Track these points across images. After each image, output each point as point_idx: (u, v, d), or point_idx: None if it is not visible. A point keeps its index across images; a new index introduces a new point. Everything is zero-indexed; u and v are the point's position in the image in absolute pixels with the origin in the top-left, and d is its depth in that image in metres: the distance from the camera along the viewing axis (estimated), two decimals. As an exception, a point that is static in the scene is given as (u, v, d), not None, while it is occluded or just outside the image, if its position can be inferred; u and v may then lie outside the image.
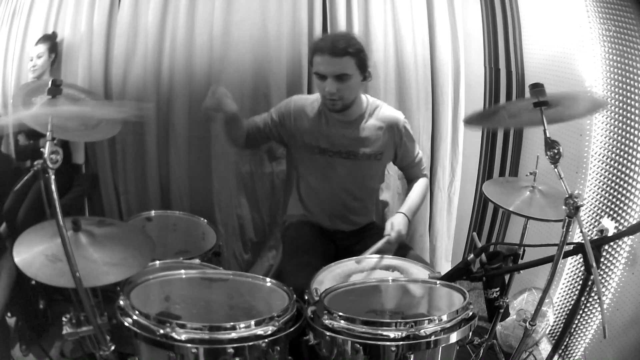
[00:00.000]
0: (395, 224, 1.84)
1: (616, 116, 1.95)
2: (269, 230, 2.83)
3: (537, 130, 2.60)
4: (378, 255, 1.81)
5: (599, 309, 1.90)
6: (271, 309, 1.29)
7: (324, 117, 1.91)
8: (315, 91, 2.59)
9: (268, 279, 1.46)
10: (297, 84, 2.63)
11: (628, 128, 1.89)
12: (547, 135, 1.35)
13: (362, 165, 1.95)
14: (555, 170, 1.32)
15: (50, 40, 2.49)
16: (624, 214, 1.89)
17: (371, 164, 1.96)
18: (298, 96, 2.06)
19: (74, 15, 2.55)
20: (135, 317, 1.19)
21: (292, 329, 1.24)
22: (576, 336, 2.02)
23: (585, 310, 1.96)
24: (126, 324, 1.19)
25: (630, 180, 1.87)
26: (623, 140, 1.92)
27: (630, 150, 1.88)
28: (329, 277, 1.63)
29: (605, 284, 1.92)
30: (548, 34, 2.44)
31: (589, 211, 2.08)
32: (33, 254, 1.22)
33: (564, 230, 1.32)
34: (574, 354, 2.04)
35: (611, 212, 1.95)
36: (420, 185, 2.08)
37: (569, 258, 2.10)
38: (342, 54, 1.70)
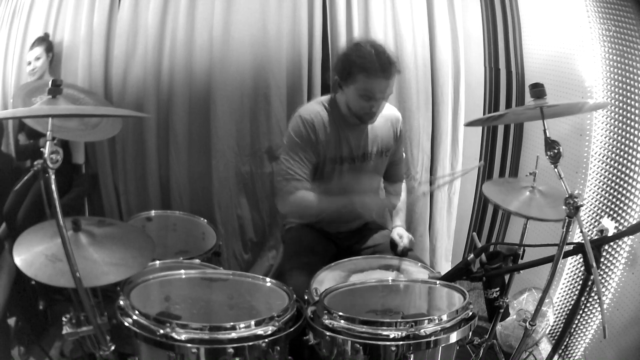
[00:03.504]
0: (404, 234, 1.93)
1: (616, 116, 1.95)
2: (269, 230, 2.83)
3: (537, 130, 2.60)
4: (378, 255, 1.81)
5: (599, 309, 1.90)
6: (271, 309, 1.29)
7: (339, 125, 1.84)
8: (315, 91, 2.63)
9: (268, 279, 1.46)
10: (297, 84, 2.63)
11: (628, 128, 1.89)
12: (547, 135, 1.35)
13: (373, 165, 1.95)
14: (555, 170, 1.32)
15: (45, 41, 2.49)
16: (624, 214, 1.89)
17: (382, 160, 1.97)
18: (306, 109, 1.86)
19: (74, 15, 2.56)
20: (135, 317, 1.19)
21: (292, 329, 1.24)
22: (576, 336, 2.02)
23: (585, 310, 1.96)
24: (126, 324, 1.19)
25: (630, 180, 1.87)
26: (623, 140, 1.92)
27: (630, 150, 1.88)
28: (329, 277, 1.63)
29: (605, 284, 1.92)
30: (548, 34, 2.44)
31: (589, 211, 2.08)
32: (33, 254, 1.22)
33: (564, 230, 1.32)
34: (574, 354, 2.04)
35: (611, 212, 1.95)
36: (404, 192, 2.14)
37: (569, 258, 2.10)
38: (393, 76, 1.69)
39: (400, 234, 1.93)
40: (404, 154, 2.12)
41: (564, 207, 1.29)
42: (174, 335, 1.13)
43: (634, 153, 1.86)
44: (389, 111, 1.98)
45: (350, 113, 1.79)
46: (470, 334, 1.30)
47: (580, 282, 2.05)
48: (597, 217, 2.04)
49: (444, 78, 2.69)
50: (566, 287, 2.19)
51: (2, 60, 2.60)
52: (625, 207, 1.88)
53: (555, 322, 2.18)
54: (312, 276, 1.61)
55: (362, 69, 1.65)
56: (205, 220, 2.16)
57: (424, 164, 2.78)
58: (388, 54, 1.69)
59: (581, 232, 1.33)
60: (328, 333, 1.23)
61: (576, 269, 2.14)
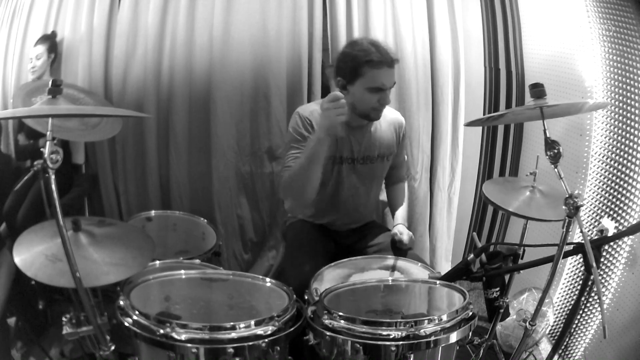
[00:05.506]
0: (405, 231, 1.90)
1: (616, 116, 1.95)
2: (269, 230, 2.83)
3: (537, 130, 2.60)
4: (378, 255, 1.81)
5: (599, 309, 1.90)
6: (271, 309, 1.29)
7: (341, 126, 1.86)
8: (315, 91, 2.63)
9: (268, 279, 1.46)
10: (297, 84, 2.63)
11: (628, 128, 1.89)
12: (547, 135, 1.35)
13: (375, 168, 1.95)
14: (555, 170, 1.32)
15: (49, 40, 2.49)
16: (624, 214, 1.89)
17: (383, 165, 1.98)
18: (304, 107, 1.89)
19: (74, 15, 2.55)
20: (135, 317, 1.19)
21: (292, 329, 1.24)
22: (576, 336, 2.02)
23: (585, 310, 1.96)
24: (126, 324, 1.19)
25: (630, 180, 1.87)
26: (623, 140, 1.92)
27: (630, 150, 1.88)
28: (329, 277, 1.63)
29: (605, 284, 1.92)
30: (548, 34, 2.44)
31: (589, 211, 2.08)
32: (33, 254, 1.22)
33: (564, 230, 1.32)
34: (574, 354, 2.04)
35: (611, 212, 1.95)
36: (404, 192, 2.13)
37: (569, 258, 2.10)
38: (394, 65, 1.73)
39: (400, 230, 1.90)
40: (405, 157, 2.12)
41: (564, 207, 1.29)
42: (174, 335, 1.13)
43: (634, 153, 1.86)
44: (392, 115, 1.99)
45: (355, 113, 1.79)
46: (470, 334, 1.30)
47: (580, 282, 2.05)
48: (597, 217, 2.04)
49: (444, 78, 2.69)
50: (566, 287, 2.19)
51: (2, 60, 2.60)
52: (625, 207, 1.88)
53: (555, 322, 2.18)
54: (312, 274, 1.62)
55: (366, 62, 1.68)
56: (205, 220, 2.16)
57: (424, 164, 2.78)
58: (384, 45, 1.74)
59: (581, 232, 1.33)
60: (328, 333, 1.23)
61: (576, 269, 2.14)
